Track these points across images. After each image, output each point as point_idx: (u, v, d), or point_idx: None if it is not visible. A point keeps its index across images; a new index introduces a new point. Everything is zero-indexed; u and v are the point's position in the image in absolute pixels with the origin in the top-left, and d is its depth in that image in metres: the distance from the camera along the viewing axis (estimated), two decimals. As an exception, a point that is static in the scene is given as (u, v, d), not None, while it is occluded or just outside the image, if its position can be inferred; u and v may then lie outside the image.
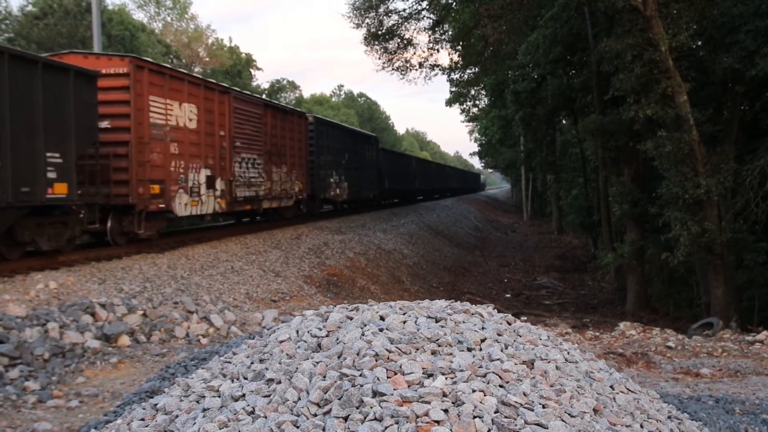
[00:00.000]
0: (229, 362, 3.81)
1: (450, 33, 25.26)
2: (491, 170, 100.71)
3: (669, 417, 3.68)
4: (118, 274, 10.37)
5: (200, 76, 15.98)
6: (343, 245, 18.70)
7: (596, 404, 3.06)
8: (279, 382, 3.12)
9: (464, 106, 47.73)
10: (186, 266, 12.05)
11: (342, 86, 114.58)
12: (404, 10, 25.00)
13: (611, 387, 3.57)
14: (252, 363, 3.54)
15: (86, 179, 10.76)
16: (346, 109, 70.50)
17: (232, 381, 3.40)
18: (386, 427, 2.55)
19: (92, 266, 10.51)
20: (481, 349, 3.38)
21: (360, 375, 2.94)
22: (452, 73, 30.07)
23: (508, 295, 21.43)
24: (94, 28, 17.29)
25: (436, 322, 3.71)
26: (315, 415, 2.76)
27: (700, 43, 15.96)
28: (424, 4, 24.44)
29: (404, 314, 3.84)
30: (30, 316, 7.54)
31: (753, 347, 9.16)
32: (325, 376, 3.00)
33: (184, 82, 13.29)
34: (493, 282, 24.17)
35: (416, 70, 27.30)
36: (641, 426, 3.18)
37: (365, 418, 2.63)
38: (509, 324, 4.03)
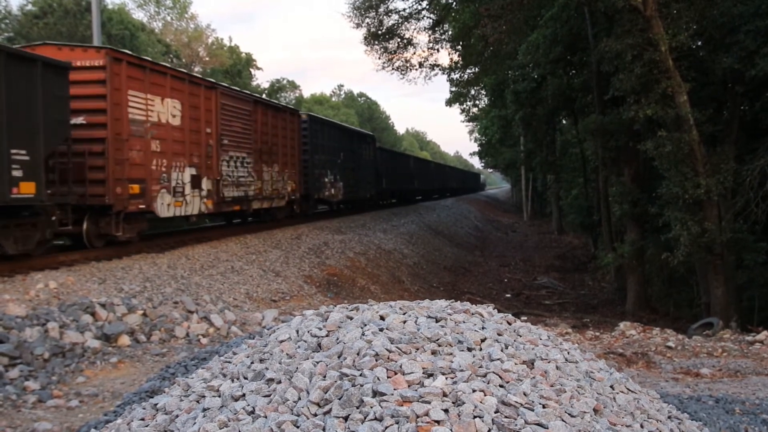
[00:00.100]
0: (230, 362, 3.81)
1: (450, 33, 25.23)
2: (491, 170, 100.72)
3: (669, 417, 3.68)
4: (118, 274, 10.37)
5: (184, 70, 15.12)
6: (343, 245, 18.70)
7: (596, 404, 3.06)
8: (279, 382, 3.12)
9: (464, 106, 47.76)
10: (186, 266, 12.05)
11: (342, 86, 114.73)
12: (404, 9, 24.99)
13: (611, 387, 3.57)
14: (252, 363, 3.54)
15: (57, 178, 10.12)
16: (346, 108, 70.54)
17: (233, 381, 3.40)
18: (386, 427, 2.55)
19: (92, 266, 10.50)
20: (481, 349, 3.38)
21: (360, 375, 2.94)
22: (452, 73, 30.06)
23: (508, 295, 21.42)
24: (93, 28, 17.26)
25: (437, 321, 3.71)
26: (315, 415, 2.76)
27: (700, 43, 15.96)
28: (424, 3, 24.44)
29: (404, 314, 3.84)
30: (30, 315, 7.54)
31: (753, 347, 9.16)
32: (325, 376, 3.00)
33: (167, 76, 12.69)
34: (493, 282, 24.16)
35: (416, 69, 27.29)
36: (641, 426, 3.18)
37: (365, 418, 2.63)
38: (509, 324, 4.03)
